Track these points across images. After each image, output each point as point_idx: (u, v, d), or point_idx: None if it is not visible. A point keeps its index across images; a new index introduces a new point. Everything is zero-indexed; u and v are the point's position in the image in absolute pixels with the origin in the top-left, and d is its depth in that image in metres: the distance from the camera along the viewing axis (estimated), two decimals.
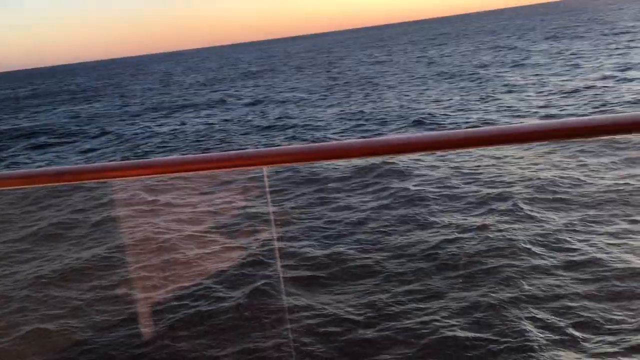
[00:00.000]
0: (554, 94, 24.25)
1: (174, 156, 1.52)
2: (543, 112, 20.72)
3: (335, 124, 24.00)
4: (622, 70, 27.95)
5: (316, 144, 1.57)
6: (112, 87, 73.99)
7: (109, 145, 26.14)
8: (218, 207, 12.88)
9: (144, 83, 75.58)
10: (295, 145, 1.58)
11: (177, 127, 29.44)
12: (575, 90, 24.12)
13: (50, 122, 38.38)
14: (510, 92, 26.57)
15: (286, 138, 22.34)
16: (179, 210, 13.06)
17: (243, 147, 21.62)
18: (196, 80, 68.63)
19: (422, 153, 1.63)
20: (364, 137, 20.03)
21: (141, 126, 31.35)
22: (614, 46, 40.84)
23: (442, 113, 23.20)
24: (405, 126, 21.49)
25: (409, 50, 74.08)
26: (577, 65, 32.88)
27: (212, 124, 28.90)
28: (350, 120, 24.56)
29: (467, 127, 17.73)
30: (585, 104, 21.05)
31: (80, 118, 39.60)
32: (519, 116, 20.64)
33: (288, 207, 12.47)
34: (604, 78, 26.38)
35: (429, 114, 23.22)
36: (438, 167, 14.84)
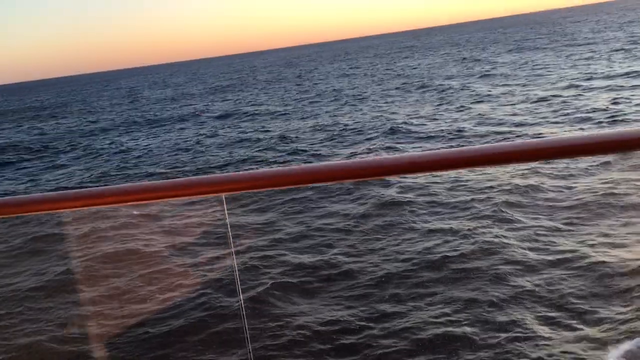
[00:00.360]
0: (523, 102, 24.96)
1: (127, 184, 1.49)
2: (515, 119, 21.29)
3: (312, 135, 24.18)
4: (587, 80, 28.98)
5: (280, 168, 1.49)
6: (79, 104, 72.82)
7: (82, 161, 25.76)
8: (176, 228, 12.50)
9: (112, 98, 74.63)
10: (258, 171, 1.49)
11: (152, 141, 29.21)
12: (543, 99, 24.85)
13: (18, 140, 37.60)
14: (479, 102, 27.20)
15: (262, 150, 22.39)
16: (130, 229, 12.71)
17: (215, 162, 21.61)
18: (165, 95, 68.12)
19: (400, 175, 1.54)
20: (342, 148, 20.37)
21: (112, 142, 30.99)
22: (576, 57, 42.23)
23: (416, 122, 23.61)
24: (379, 135, 21.77)
25: (377, 63, 75.05)
26: (541, 75, 33.91)
27: (185, 138, 28.78)
28: (326, 131, 24.78)
29: (442, 136, 18.04)
30: (554, 111, 21.73)
31: (48, 135, 38.90)
32: (490, 124, 21.15)
33: (248, 228, 12.14)
34: (570, 87, 27.28)
35: (404, 122, 23.61)
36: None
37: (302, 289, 8.89)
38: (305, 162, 19.12)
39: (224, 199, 1.81)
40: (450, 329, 7.24)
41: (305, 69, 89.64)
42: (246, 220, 12.76)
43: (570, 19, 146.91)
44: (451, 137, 19.91)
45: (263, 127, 28.93)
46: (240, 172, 1.50)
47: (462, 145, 18.23)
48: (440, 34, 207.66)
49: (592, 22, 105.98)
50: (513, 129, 19.66)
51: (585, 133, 1.34)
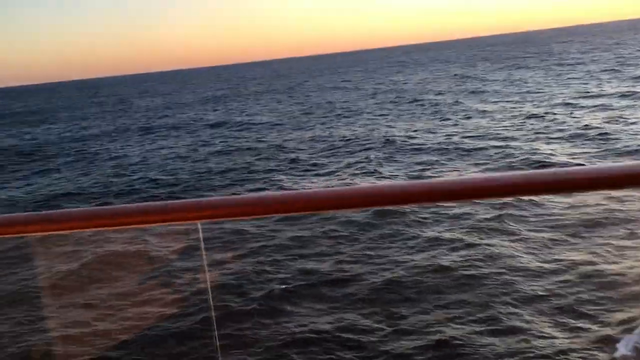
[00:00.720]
0: (516, 118, 25.30)
1: (94, 207, 1.38)
2: (508, 134, 21.56)
3: (309, 146, 24.28)
4: (579, 98, 29.51)
5: (266, 193, 1.35)
6: (68, 110, 72.34)
7: (76, 167, 25.61)
8: (148, 255, 11.77)
9: (103, 105, 74.26)
10: (240, 196, 1.36)
11: (144, 149, 29.14)
12: (536, 116, 25.22)
13: (8, 144, 37.29)
14: (474, 117, 27.51)
15: (260, 159, 22.42)
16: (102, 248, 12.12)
17: (212, 170, 21.59)
18: (155, 103, 67.94)
19: (402, 205, 1.38)
20: (339, 159, 20.44)
21: (104, 148, 30.86)
22: (567, 76, 42.95)
23: (411, 135, 23.80)
24: (375, 147, 21.87)
25: (368, 78, 75.55)
26: (532, 92, 34.44)
27: (179, 146, 28.76)
28: (323, 142, 24.89)
29: (438, 149, 18.03)
30: (546, 127, 22.06)
31: (37, 141, 38.64)
32: (485, 138, 21.35)
33: (224, 256, 11.32)
34: (562, 105, 27.75)
35: (400, 135, 23.80)
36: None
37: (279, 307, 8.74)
38: (302, 173, 19.19)
39: (199, 227, 1.66)
40: (454, 333, 7.31)
41: (296, 80, 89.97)
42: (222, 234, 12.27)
43: (556, 39, 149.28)
44: (446, 150, 20.10)
45: (258, 137, 28.99)
46: (221, 197, 1.37)
47: (457, 158, 18.54)
48: (428, 50, 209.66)
49: (578, 42, 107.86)
50: (508, 143, 19.91)
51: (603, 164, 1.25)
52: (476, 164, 17.49)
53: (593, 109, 25.52)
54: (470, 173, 16.39)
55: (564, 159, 16.85)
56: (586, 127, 21.26)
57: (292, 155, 22.30)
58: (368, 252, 10.68)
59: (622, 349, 6.54)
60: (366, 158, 20.02)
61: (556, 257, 9.55)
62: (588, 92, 31.40)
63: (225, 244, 11.86)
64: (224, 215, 1.34)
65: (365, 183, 16.38)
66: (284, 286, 9.42)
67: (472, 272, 9.23)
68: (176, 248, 11.61)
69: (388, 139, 23.08)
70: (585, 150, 17.94)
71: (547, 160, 16.90)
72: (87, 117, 55.55)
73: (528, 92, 35.52)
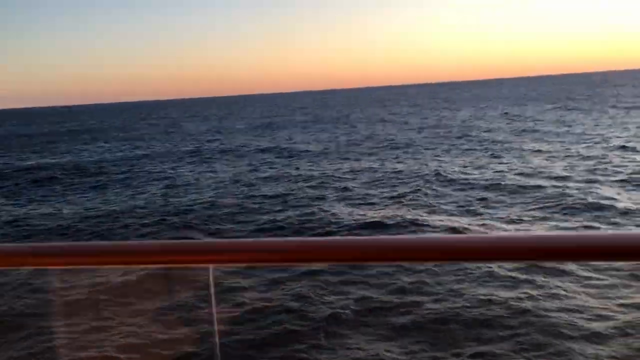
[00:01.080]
0: (570, 158, 24.84)
1: (91, 242, 1.33)
2: (563, 174, 21.15)
3: (355, 176, 24.34)
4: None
5: (293, 239, 1.27)
6: (120, 130, 74.73)
7: (140, 184, 26.36)
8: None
9: (154, 127, 76.45)
10: (259, 241, 1.29)
11: (196, 173, 29.80)
12: (592, 158, 24.69)
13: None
14: (526, 155, 27.13)
15: (311, 187, 22.58)
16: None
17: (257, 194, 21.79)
18: (208, 127, 69.54)
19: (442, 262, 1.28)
20: (389, 192, 20.39)
21: (158, 170, 31.69)
22: (623, 119, 42.09)
23: (460, 170, 23.62)
24: (426, 182, 21.74)
25: (415, 112, 75.57)
26: (585, 134, 33.79)
27: (230, 172, 29.29)
28: (371, 173, 24.92)
29: (487, 186, 17.60)
30: (604, 170, 21.57)
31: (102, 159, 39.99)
32: (538, 177, 20.98)
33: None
34: (620, 149, 27.15)
35: (450, 171, 23.65)
36: None
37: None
38: (351, 203, 19.17)
39: (210, 271, 1.52)
40: None
41: (343, 112, 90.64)
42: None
43: (609, 82, 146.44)
44: (492, 186, 19.86)
45: (305, 166, 29.26)
46: (236, 240, 1.29)
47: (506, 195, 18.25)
48: (473, 88, 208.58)
49: (631, 86, 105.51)
50: (563, 183, 19.52)
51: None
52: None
53: None
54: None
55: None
56: None
57: (341, 185, 22.38)
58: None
59: None
60: (418, 189, 19.97)
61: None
62: None
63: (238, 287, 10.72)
64: (243, 260, 1.25)
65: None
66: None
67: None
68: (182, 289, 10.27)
69: (438, 173, 22.97)
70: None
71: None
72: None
73: (580, 133, 34.86)
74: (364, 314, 9.29)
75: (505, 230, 14.41)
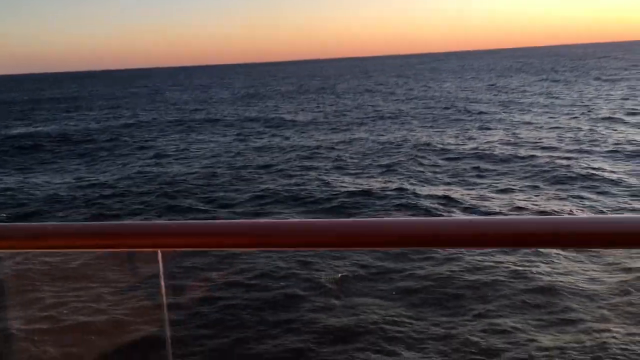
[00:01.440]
0: (558, 129, 25.13)
1: (28, 223, 1.24)
2: (550, 144, 21.43)
3: (345, 147, 24.33)
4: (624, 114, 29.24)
5: (247, 221, 1.16)
6: (103, 99, 73.52)
7: (122, 152, 26.15)
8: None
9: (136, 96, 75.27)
10: (211, 222, 1.17)
11: (180, 144, 29.60)
12: (579, 129, 25.01)
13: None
14: (512, 126, 27.36)
15: (303, 158, 22.56)
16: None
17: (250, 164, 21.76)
18: (191, 97, 68.62)
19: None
20: (377, 164, 20.39)
21: (141, 139, 31.38)
22: (607, 90, 42.48)
23: (448, 142, 23.76)
24: (412, 152, 21.82)
25: (401, 83, 75.35)
26: (569, 105, 34.11)
27: (218, 143, 29.11)
28: (358, 144, 24.93)
29: (472, 154, 17.60)
30: (592, 141, 21.89)
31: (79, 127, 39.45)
32: (524, 147, 21.23)
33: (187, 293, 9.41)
34: (604, 120, 27.50)
35: (436, 142, 23.77)
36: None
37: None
38: (338, 173, 19.17)
39: (159, 255, 1.37)
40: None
41: (330, 82, 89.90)
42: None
43: (591, 54, 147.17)
44: (480, 156, 20.06)
45: (292, 136, 29.13)
46: (187, 223, 1.18)
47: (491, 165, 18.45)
48: (457, 60, 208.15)
49: (615, 59, 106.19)
50: (550, 153, 19.77)
51: None
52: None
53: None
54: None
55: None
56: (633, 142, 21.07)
57: (330, 155, 22.40)
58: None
59: None
60: (410, 158, 20.12)
61: None
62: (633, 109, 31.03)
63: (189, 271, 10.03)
64: (189, 245, 1.16)
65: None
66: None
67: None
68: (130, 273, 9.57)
69: (426, 143, 23.11)
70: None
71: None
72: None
73: (566, 104, 35.19)
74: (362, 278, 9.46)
75: (497, 199, 14.65)
